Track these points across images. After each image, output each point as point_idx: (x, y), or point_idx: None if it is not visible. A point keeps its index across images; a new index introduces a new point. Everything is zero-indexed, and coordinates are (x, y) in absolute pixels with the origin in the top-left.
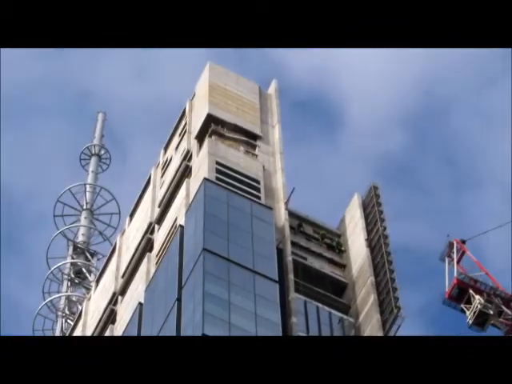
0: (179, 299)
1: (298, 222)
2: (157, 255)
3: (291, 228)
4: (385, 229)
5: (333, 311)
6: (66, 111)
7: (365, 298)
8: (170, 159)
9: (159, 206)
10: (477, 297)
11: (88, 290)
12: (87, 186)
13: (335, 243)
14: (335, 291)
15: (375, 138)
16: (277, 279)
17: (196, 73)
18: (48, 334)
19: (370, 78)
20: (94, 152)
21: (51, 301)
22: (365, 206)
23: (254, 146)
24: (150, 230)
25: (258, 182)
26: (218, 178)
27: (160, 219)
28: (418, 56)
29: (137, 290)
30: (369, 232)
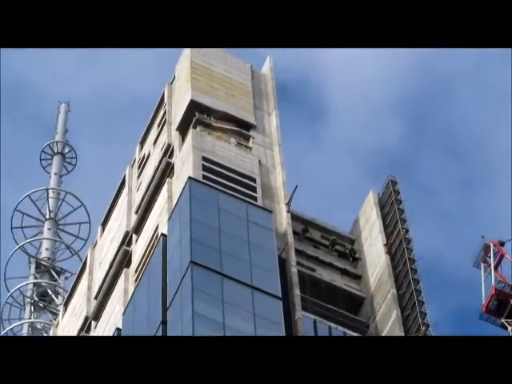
0: (164, 322)
1: (303, 227)
2: (136, 271)
3: (295, 234)
4: (407, 231)
5: (348, 331)
6: (9, 104)
7: (386, 314)
8: (148, 156)
9: (137, 212)
10: None
11: (55, 315)
12: (50, 192)
13: (348, 250)
14: (350, 307)
15: (367, 128)
16: (280, 295)
17: (173, 52)
18: None
19: (354, 53)
20: (56, 150)
21: (12, 329)
22: (382, 205)
23: (247, 138)
24: (126, 240)
25: (253, 180)
26: (205, 177)
27: (138, 228)
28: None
29: (113, 314)
30: (388, 236)
